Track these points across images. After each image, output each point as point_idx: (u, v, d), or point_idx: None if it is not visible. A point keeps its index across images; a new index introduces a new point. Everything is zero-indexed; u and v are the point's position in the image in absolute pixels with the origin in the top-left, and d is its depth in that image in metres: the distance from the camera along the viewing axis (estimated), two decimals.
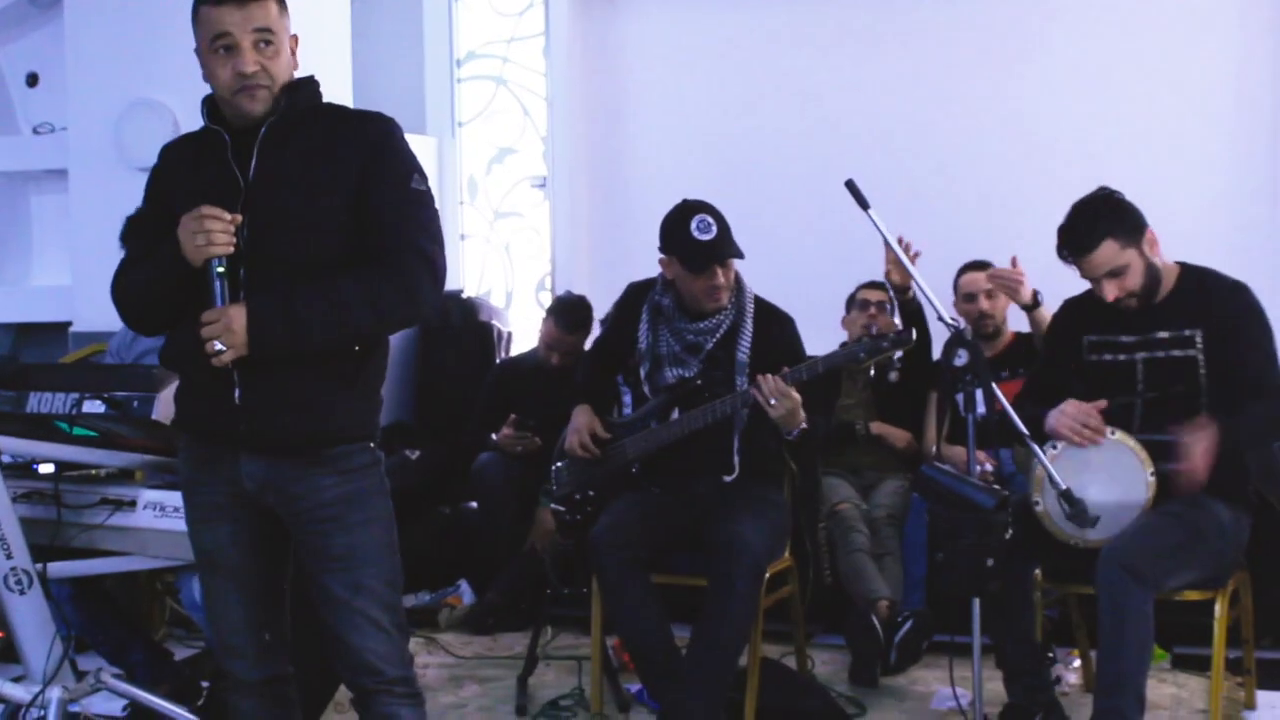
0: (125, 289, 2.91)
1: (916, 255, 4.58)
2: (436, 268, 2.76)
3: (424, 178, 2.82)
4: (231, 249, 2.67)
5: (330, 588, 2.79)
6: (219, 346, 2.61)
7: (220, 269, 2.66)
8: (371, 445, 2.86)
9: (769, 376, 3.84)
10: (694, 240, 3.95)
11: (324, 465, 2.77)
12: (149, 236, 2.88)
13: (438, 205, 2.88)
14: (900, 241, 4.48)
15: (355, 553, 2.78)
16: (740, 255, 4.04)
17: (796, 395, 3.84)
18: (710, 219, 3.97)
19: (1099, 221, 3.67)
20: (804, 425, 3.91)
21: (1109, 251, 3.66)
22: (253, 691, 2.98)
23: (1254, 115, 5.77)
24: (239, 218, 2.68)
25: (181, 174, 2.86)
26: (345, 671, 2.88)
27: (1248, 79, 5.78)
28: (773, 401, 3.82)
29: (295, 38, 2.82)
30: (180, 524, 3.51)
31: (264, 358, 2.66)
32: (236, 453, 2.80)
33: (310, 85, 2.84)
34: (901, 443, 5.14)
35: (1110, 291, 3.69)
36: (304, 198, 2.74)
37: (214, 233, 2.64)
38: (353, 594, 2.78)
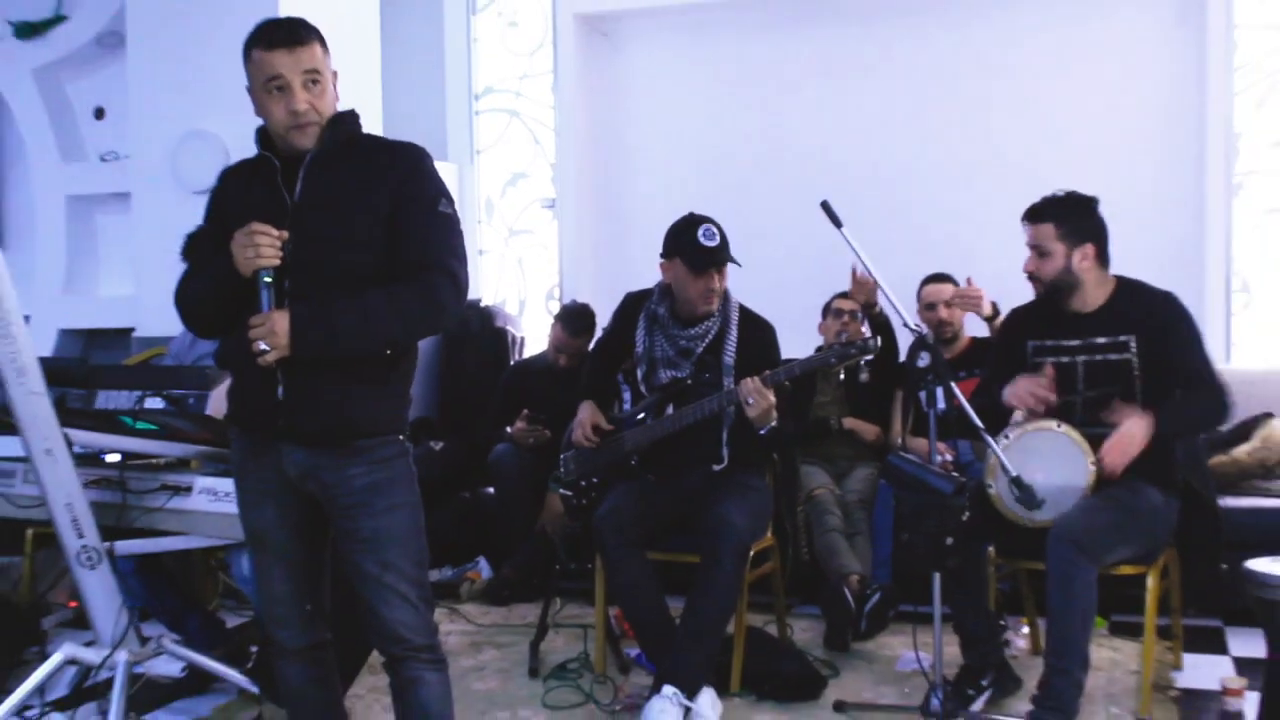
0: (186, 296, 2.94)
1: (874, 286, 4.61)
2: (460, 282, 2.77)
3: (451, 201, 2.83)
4: (278, 261, 2.70)
5: (362, 565, 2.81)
6: (263, 347, 2.65)
7: (267, 279, 2.69)
8: (400, 438, 2.87)
9: (750, 378, 3.88)
10: (700, 245, 3.98)
11: (355, 456, 2.78)
12: (208, 250, 2.91)
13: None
14: (855, 272, 4.51)
15: (382, 535, 2.79)
16: (737, 263, 4.07)
17: (772, 397, 3.87)
18: (715, 229, 4.01)
19: (1056, 208, 3.76)
20: (774, 424, 3.93)
21: (1044, 232, 3.75)
22: (296, 657, 3.00)
23: (1181, 143, 5.79)
24: (285, 234, 2.71)
25: (237, 195, 2.89)
26: (377, 639, 2.88)
27: (1174, 112, 5.80)
28: (750, 400, 3.85)
29: (335, 73, 2.84)
30: (231, 507, 3.54)
31: (304, 359, 2.68)
32: (279, 443, 2.82)
33: (350, 118, 2.85)
34: (870, 436, 5.17)
35: (1028, 263, 3.82)
36: (342, 218, 2.76)
37: (262, 246, 2.67)
38: (382, 571, 2.79)
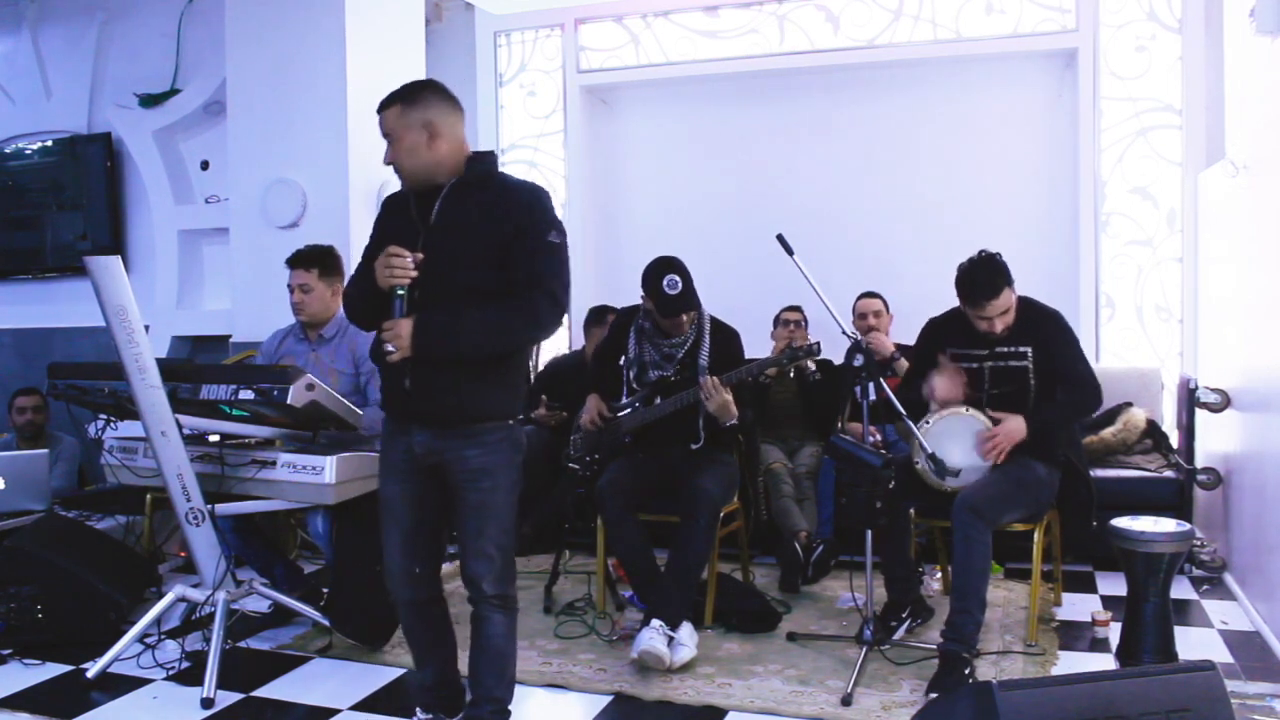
0: (346, 297, 2.92)
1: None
2: (558, 301, 2.68)
3: (561, 233, 2.72)
4: (408, 280, 2.66)
5: (465, 526, 2.78)
6: (390, 348, 2.64)
7: (400, 292, 2.66)
8: (510, 422, 2.79)
9: (708, 378, 3.85)
10: (665, 294, 3.89)
11: (468, 439, 2.73)
12: (369, 259, 2.82)
13: None
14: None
15: (482, 507, 2.75)
16: (696, 308, 3.98)
17: (728, 395, 3.84)
18: (678, 278, 3.88)
19: (998, 276, 3.62)
20: (734, 420, 3.89)
21: (1006, 297, 3.64)
22: (406, 606, 2.95)
23: (1060, 189, 5.79)
24: (419, 255, 2.67)
25: (388, 219, 2.87)
26: (464, 582, 2.83)
27: (1054, 164, 5.80)
28: (708, 396, 3.82)
29: (428, 123, 2.71)
30: (307, 476, 3.56)
31: (425, 358, 2.65)
32: (410, 425, 2.79)
33: (486, 158, 2.79)
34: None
35: (999, 325, 3.67)
36: (466, 242, 2.70)
37: (395, 268, 2.65)
38: (477, 535, 2.76)
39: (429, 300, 2.68)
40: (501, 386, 2.77)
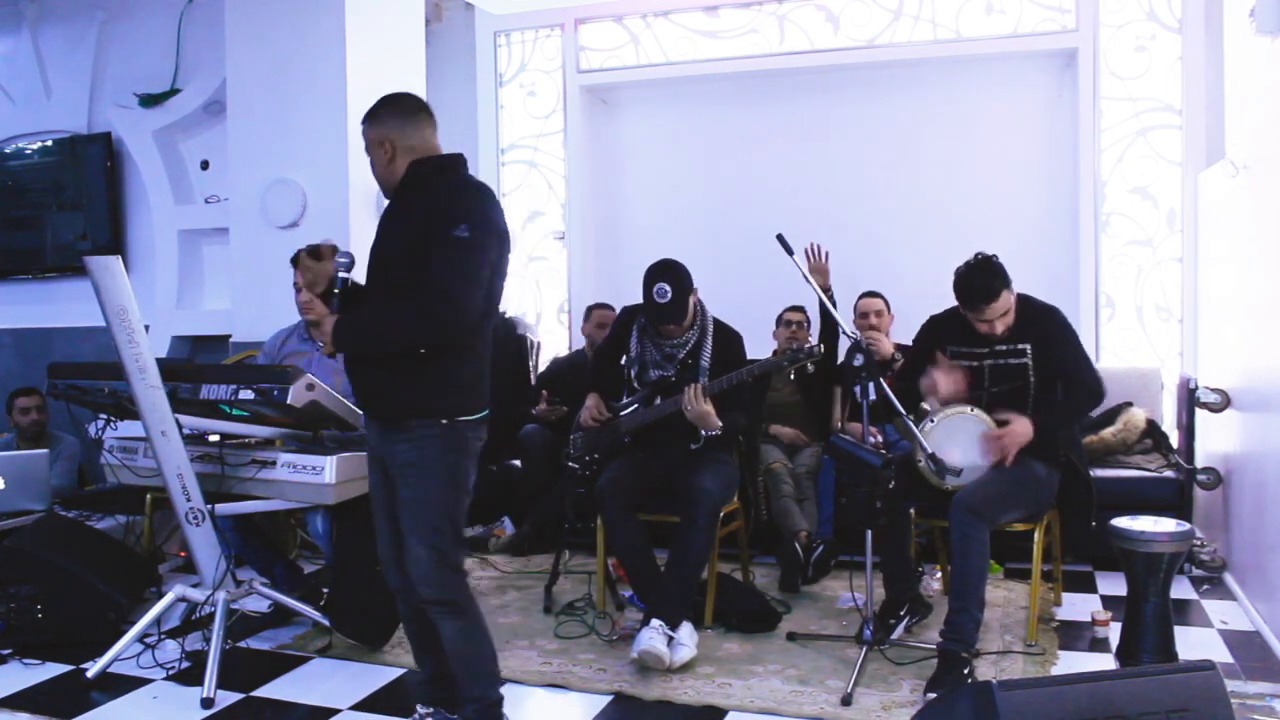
0: None
1: (828, 254, 4.53)
2: (449, 297, 2.59)
3: (475, 228, 2.62)
4: (332, 281, 2.84)
5: (401, 523, 2.79)
6: (320, 344, 2.79)
7: (335, 291, 2.81)
8: (444, 421, 2.72)
9: (690, 387, 3.83)
10: (654, 303, 3.90)
11: (401, 433, 2.74)
12: None
13: None
14: (813, 246, 4.41)
15: (412, 503, 2.75)
16: (681, 320, 3.95)
17: (707, 406, 3.81)
18: (667, 287, 3.86)
19: (995, 279, 3.61)
20: (716, 431, 3.87)
21: (1005, 299, 3.63)
22: (400, 594, 2.94)
23: (1060, 189, 5.80)
24: (333, 248, 2.88)
25: None
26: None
27: (1055, 164, 5.81)
28: (688, 407, 3.82)
29: (383, 140, 2.79)
30: (307, 476, 3.57)
31: (348, 355, 2.79)
32: (369, 418, 2.88)
33: (430, 163, 2.78)
34: (787, 439, 5.09)
35: (999, 327, 3.67)
36: (388, 244, 2.77)
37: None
38: (409, 532, 2.76)
39: (359, 300, 2.82)
40: (430, 384, 2.71)
